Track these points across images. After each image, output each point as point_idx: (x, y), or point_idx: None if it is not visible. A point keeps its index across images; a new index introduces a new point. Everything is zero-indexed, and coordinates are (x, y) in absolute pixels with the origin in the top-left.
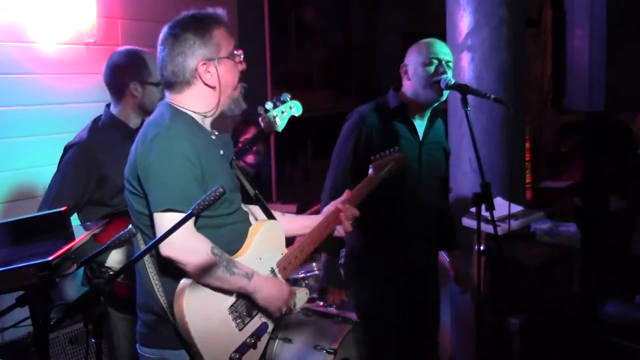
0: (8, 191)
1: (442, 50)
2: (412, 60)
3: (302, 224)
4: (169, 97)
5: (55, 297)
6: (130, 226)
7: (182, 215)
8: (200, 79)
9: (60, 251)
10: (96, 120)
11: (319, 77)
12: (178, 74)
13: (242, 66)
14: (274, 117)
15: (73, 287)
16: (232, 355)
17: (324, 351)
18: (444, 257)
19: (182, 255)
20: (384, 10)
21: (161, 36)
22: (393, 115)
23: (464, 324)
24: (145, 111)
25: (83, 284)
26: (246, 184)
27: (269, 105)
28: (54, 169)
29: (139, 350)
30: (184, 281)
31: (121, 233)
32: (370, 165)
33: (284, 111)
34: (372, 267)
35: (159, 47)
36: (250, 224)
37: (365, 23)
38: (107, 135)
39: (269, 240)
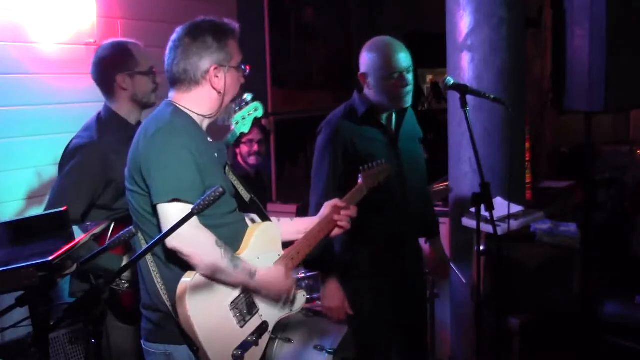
0: (8, 191)
1: (402, 57)
2: (371, 72)
3: (296, 228)
4: (173, 96)
5: (55, 297)
6: (131, 227)
7: (188, 205)
8: (209, 81)
9: (60, 251)
10: (99, 118)
11: (319, 77)
12: (190, 72)
13: (243, 80)
14: (242, 119)
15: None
16: (235, 352)
17: (324, 351)
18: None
19: (188, 246)
20: (384, 10)
21: (176, 35)
22: (362, 121)
23: (464, 324)
24: (139, 103)
25: (71, 294)
26: (241, 188)
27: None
28: (54, 168)
29: (143, 346)
30: (185, 278)
31: (121, 233)
32: (360, 175)
33: (250, 113)
34: (361, 270)
35: (172, 44)
36: (246, 226)
37: (365, 23)
38: (113, 135)
39: (265, 241)
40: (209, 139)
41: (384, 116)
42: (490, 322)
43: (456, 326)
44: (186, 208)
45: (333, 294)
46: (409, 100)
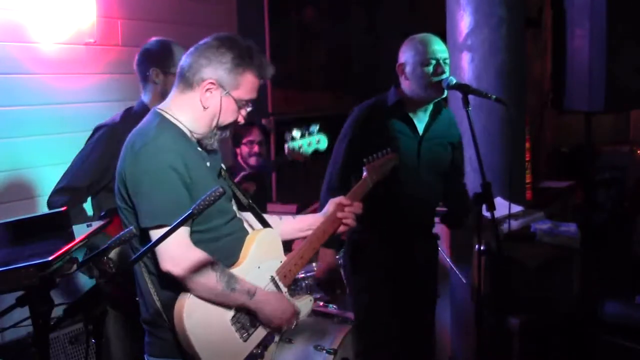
0: (8, 191)
1: (440, 49)
2: (410, 60)
3: (299, 226)
4: (169, 97)
5: (55, 297)
6: (131, 227)
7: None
8: (200, 92)
9: (60, 251)
10: (129, 109)
11: (319, 77)
12: (190, 70)
13: (240, 119)
14: (299, 147)
15: (74, 286)
16: None
17: (324, 351)
18: (444, 257)
19: (183, 271)
20: (384, 10)
21: (210, 37)
22: (391, 111)
23: (464, 324)
24: None
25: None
26: (238, 193)
27: (296, 133)
28: (54, 168)
29: None
30: (182, 296)
31: (121, 233)
32: (364, 167)
33: (310, 143)
34: (369, 263)
35: (202, 41)
36: (246, 233)
37: (365, 23)
38: (137, 123)
39: (266, 248)
40: (198, 147)
41: (417, 112)
42: (490, 322)
43: (456, 326)
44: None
45: (328, 266)
46: (444, 92)
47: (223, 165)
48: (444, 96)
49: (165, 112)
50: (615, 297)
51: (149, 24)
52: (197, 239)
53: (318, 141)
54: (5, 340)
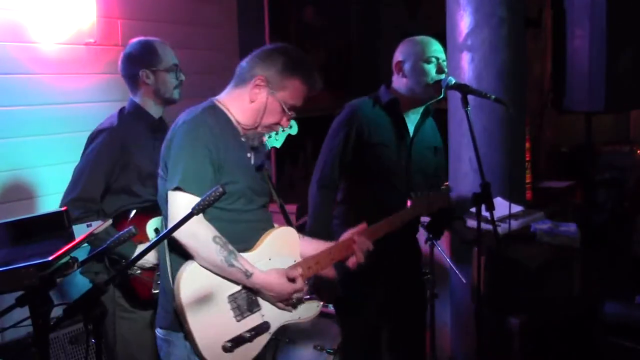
0: (8, 191)
1: (440, 49)
2: (410, 57)
3: (312, 247)
4: (225, 90)
5: (55, 297)
6: (130, 227)
7: (189, 195)
8: (250, 86)
9: (60, 251)
10: (122, 110)
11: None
12: (245, 68)
13: (284, 123)
14: (275, 134)
15: (74, 286)
16: (225, 343)
17: (324, 351)
18: (444, 257)
19: (185, 237)
20: (384, 10)
21: (269, 44)
22: (384, 110)
23: (464, 324)
24: (161, 98)
25: (81, 273)
26: (273, 192)
27: None
28: (54, 168)
29: (156, 332)
30: (187, 262)
31: (121, 233)
32: (408, 200)
33: (284, 129)
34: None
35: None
36: (269, 226)
37: (365, 23)
38: (133, 124)
39: (281, 244)
40: (242, 138)
41: (409, 112)
42: (490, 322)
43: (456, 326)
44: (187, 198)
45: (324, 274)
46: (442, 91)
47: (266, 163)
48: (441, 96)
49: (218, 101)
50: (615, 297)
51: (149, 24)
52: (217, 216)
53: (290, 126)
54: (5, 340)
